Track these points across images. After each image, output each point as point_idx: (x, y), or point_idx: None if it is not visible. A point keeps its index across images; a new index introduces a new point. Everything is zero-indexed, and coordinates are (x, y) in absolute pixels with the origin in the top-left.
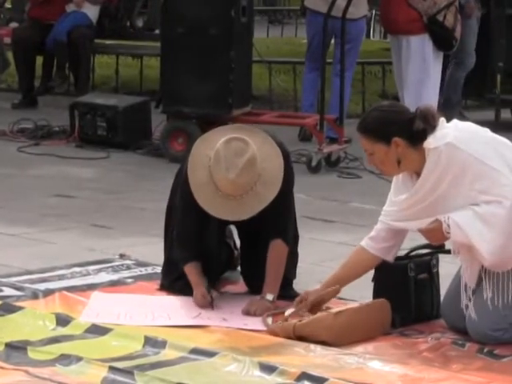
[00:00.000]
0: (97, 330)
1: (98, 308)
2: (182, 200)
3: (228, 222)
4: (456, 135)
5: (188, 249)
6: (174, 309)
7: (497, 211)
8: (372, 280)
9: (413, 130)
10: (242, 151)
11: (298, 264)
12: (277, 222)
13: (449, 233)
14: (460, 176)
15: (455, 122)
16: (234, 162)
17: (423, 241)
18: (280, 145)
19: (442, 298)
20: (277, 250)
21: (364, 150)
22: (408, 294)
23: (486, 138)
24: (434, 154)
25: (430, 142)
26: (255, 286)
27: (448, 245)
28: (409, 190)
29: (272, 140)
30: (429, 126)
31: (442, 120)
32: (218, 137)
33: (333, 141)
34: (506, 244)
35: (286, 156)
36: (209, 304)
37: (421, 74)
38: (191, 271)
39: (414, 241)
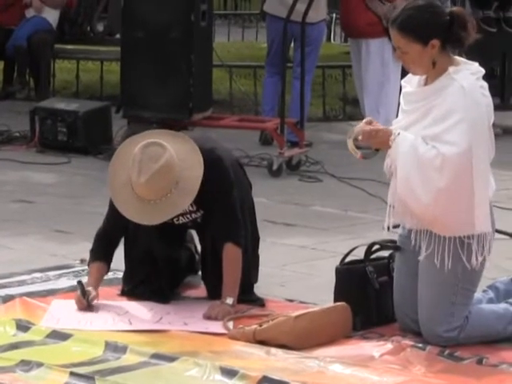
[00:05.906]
0: (57, 336)
1: (58, 314)
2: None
3: (185, 226)
4: (485, 94)
5: (101, 247)
6: (134, 313)
7: (434, 160)
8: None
9: (450, 35)
10: (158, 156)
11: (260, 267)
12: (223, 225)
13: (390, 147)
14: (444, 116)
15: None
16: (147, 166)
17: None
18: (210, 151)
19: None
20: (229, 252)
21: (396, 47)
22: (368, 297)
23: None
24: (455, 86)
25: (460, 73)
26: (216, 290)
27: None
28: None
29: (198, 150)
30: (466, 34)
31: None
32: (144, 140)
33: (294, 144)
34: (425, 197)
35: (216, 160)
36: (86, 308)
37: (381, 77)
38: (90, 271)
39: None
